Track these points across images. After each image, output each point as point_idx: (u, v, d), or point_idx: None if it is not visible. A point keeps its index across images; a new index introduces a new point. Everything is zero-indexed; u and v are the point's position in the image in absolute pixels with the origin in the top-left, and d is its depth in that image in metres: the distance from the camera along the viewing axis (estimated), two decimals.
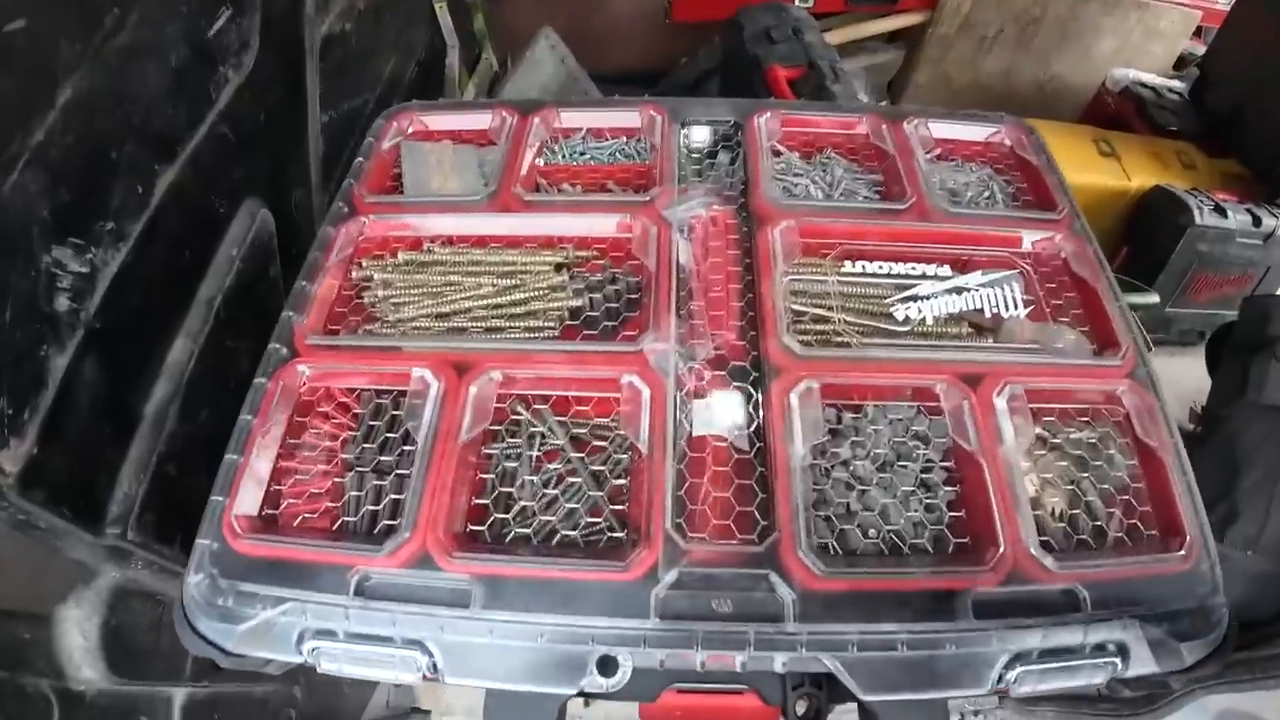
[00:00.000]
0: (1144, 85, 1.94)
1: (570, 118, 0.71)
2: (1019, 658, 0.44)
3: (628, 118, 0.72)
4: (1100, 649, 0.45)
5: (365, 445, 0.51)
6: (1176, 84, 1.98)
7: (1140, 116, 1.86)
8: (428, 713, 1.46)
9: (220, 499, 0.49)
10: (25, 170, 0.54)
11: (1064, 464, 0.54)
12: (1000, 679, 0.44)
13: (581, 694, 0.44)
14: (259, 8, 0.82)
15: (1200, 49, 2.04)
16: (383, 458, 0.50)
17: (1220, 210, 1.58)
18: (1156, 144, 1.80)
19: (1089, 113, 2.03)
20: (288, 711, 1.07)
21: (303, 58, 0.97)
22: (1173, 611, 0.46)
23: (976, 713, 1.53)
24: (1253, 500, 1.09)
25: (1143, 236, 1.65)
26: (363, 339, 0.56)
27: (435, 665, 0.43)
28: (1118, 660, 0.45)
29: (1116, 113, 1.93)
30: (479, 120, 0.71)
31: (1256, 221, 1.60)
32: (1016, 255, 0.66)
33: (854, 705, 0.47)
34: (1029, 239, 0.66)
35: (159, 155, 0.71)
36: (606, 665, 0.43)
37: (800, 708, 0.45)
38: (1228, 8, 1.91)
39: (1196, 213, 1.56)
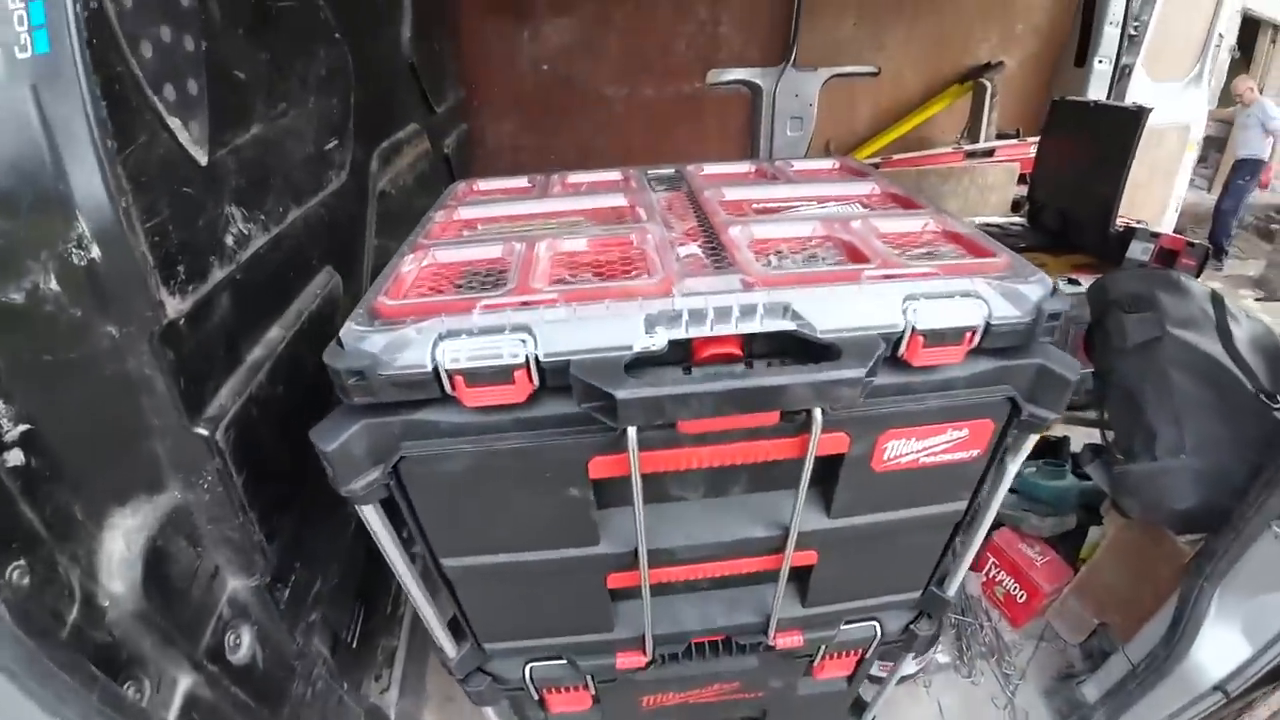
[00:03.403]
0: (989, 224, 2.75)
1: (576, 178, 1.20)
2: (911, 298, 0.74)
3: (611, 176, 1.22)
4: (966, 295, 0.75)
5: (473, 276, 0.82)
6: (1016, 219, 2.83)
7: None
8: None
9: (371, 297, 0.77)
10: (228, 153, 0.92)
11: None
12: (904, 313, 0.73)
13: (637, 360, 0.69)
14: (350, 150, 1.35)
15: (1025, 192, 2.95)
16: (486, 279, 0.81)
17: (1074, 281, 2.19)
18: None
19: None
20: None
21: (367, 194, 1.49)
22: (1006, 276, 0.79)
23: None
24: (1159, 416, 1.42)
25: None
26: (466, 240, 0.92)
27: (536, 342, 0.68)
28: (983, 300, 0.75)
29: None
30: (519, 183, 1.20)
31: None
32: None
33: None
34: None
35: (294, 195, 1.13)
36: (650, 332, 0.70)
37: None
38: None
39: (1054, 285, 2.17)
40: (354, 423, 0.73)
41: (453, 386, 0.70)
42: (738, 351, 0.74)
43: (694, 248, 0.88)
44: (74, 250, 0.67)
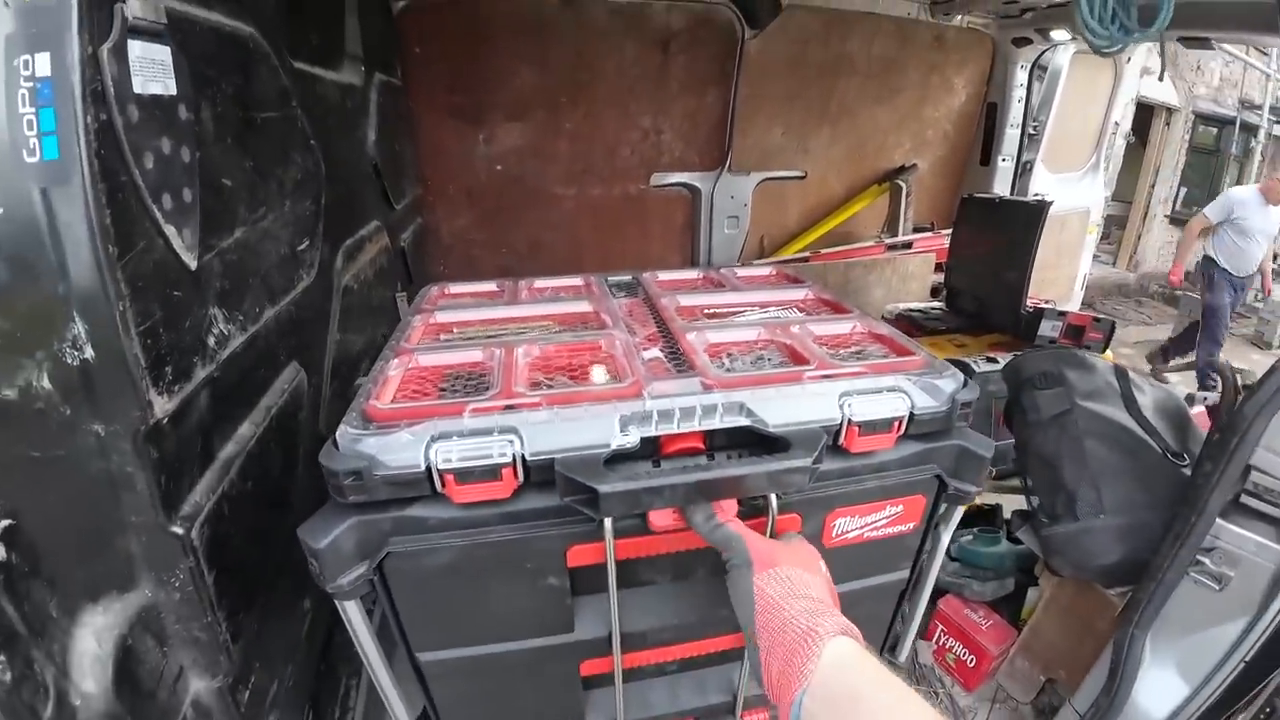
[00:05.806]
0: (912, 310, 3.02)
1: (541, 284, 1.32)
2: (846, 394, 0.86)
3: (574, 282, 1.34)
4: (892, 390, 0.89)
5: (455, 379, 0.91)
6: (936, 304, 3.11)
7: (916, 329, 2.85)
8: None
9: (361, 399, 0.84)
10: (214, 257, 0.97)
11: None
12: (840, 407, 0.85)
13: (613, 456, 0.78)
14: (319, 249, 1.43)
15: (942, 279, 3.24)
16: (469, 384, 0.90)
17: (992, 359, 2.41)
18: (934, 339, 2.74)
19: None
20: None
21: (331, 290, 1.56)
22: (925, 372, 0.93)
23: None
24: (1077, 480, 1.58)
25: None
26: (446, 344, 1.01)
27: (522, 442, 0.77)
28: (906, 394, 0.88)
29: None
30: (488, 287, 1.30)
31: None
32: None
33: None
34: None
35: (269, 295, 1.18)
36: (625, 431, 0.79)
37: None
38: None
39: (974, 365, 2.38)
40: (344, 520, 0.79)
41: (443, 485, 0.77)
42: (701, 445, 0.85)
43: (656, 351, 1.00)
44: (69, 350, 0.67)
